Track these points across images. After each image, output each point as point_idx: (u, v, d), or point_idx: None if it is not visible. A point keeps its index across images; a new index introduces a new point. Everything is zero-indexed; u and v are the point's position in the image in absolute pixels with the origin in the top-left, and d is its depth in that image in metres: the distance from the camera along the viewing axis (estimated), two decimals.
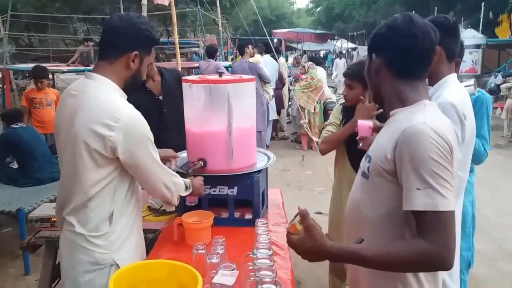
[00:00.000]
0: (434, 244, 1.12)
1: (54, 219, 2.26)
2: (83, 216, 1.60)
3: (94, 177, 1.56)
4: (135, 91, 2.60)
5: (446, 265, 1.13)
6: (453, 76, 1.88)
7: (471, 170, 2.42)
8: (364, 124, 2.08)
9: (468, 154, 1.93)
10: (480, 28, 14.30)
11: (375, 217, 1.31)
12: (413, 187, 1.16)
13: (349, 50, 28.84)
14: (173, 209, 1.95)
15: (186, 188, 1.87)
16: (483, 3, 14.24)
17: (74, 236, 1.61)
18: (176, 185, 1.78)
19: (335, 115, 2.68)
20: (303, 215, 1.23)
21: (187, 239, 2.00)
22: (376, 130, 1.98)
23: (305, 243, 1.21)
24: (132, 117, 1.56)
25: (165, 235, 2.15)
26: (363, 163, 1.40)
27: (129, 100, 1.57)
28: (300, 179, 6.19)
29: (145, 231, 2.19)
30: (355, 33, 29.06)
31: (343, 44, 31.16)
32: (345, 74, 2.61)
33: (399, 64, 1.32)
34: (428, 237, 1.13)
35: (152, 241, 2.14)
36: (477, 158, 2.32)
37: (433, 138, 1.16)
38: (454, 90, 1.82)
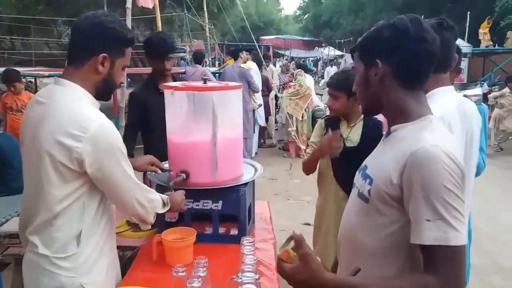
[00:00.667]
0: (444, 281, 1.01)
1: None
2: (47, 235, 1.44)
3: (60, 192, 1.41)
4: (150, 93, 2.83)
5: None
6: (441, 90, 1.70)
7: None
8: None
9: None
10: (466, 36, 14.40)
11: (375, 245, 1.18)
12: (423, 218, 1.04)
13: (336, 57, 28.91)
14: (149, 227, 1.80)
15: (164, 204, 1.72)
16: (468, 12, 14.38)
17: (38, 258, 1.45)
18: (151, 202, 1.63)
19: (317, 133, 2.56)
20: (297, 241, 1.06)
21: (167, 258, 1.86)
22: None
23: (300, 274, 1.05)
24: (102, 127, 1.41)
25: (144, 252, 2.01)
26: (361, 184, 1.25)
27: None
28: (288, 188, 6.06)
29: (123, 248, 2.06)
30: (342, 41, 29.20)
31: (330, 52, 31.28)
32: (328, 84, 2.47)
33: (409, 72, 1.18)
34: (437, 274, 1.02)
35: (130, 259, 2.00)
36: (478, 171, 2.22)
37: (446, 164, 1.04)
38: (438, 105, 1.57)
